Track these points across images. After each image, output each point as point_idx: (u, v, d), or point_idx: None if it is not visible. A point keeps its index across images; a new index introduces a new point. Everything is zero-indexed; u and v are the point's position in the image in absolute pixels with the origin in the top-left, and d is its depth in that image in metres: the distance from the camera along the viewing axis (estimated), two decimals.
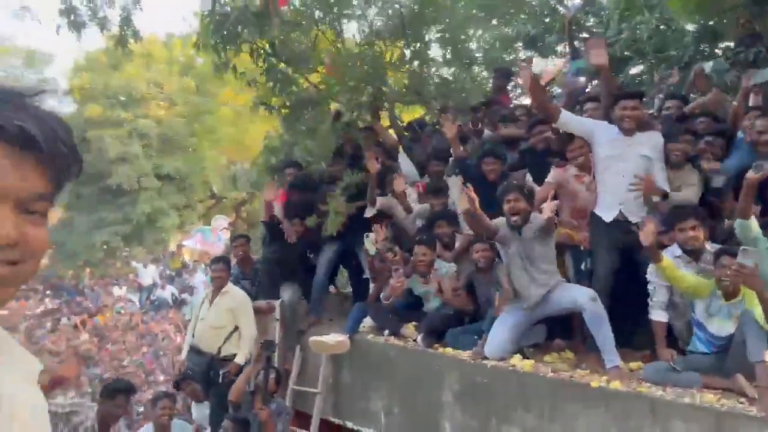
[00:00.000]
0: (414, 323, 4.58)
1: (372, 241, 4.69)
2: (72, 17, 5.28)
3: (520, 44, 9.72)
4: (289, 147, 6.46)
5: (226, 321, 5.09)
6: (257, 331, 5.14)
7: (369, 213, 5.02)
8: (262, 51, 5.81)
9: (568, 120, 4.10)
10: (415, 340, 4.43)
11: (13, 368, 0.73)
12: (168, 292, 14.70)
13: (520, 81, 4.15)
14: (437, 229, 4.82)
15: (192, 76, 18.11)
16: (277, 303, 5.22)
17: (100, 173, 17.31)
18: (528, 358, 3.86)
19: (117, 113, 17.58)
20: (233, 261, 5.70)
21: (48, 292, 15.00)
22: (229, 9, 5.19)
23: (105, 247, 17.09)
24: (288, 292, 5.19)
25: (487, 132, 5.54)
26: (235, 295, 5.19)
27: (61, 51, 34.80)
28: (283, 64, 5.94)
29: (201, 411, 5.06)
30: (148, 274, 15.40)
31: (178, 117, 18.01)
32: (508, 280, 3.89)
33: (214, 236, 14.42)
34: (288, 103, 6.01)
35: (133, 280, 15.59)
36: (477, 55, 8.89)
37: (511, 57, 9.69)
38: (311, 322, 5.20)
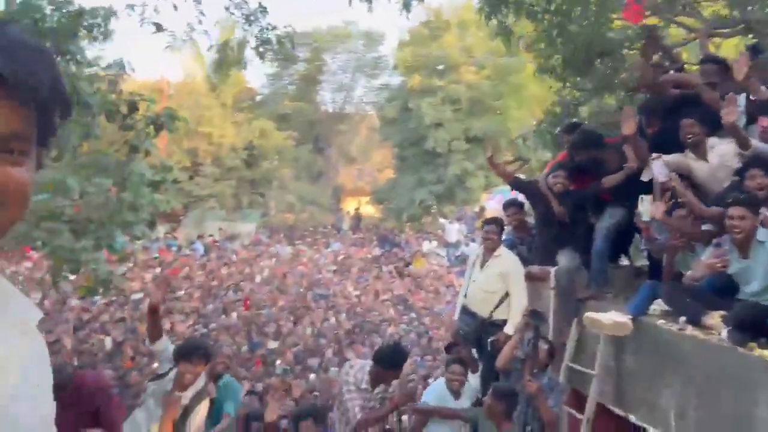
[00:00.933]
0: (722, 312, 3.60)
1: (648, 203, 3.78)
2: None
3: None
4: (573, 108, 5.78)
5: (497, 286, 4.93)
6: (528, 298, 4.83)
7: (645, 176, 4.09)
8: (538, 9, 5.29)
9: None
10: (719, 334, 3.49)
11: (5, 321, 0.69)
12: (471, 249, 15.38)
13: None
14: (749, 181, 3.60)
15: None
16: (552, 270, 4.79)
17: (421, 137, 19.12)
18: None
19: (433, 81, 18.95)
20: (508, 228, 5.47)
21: (375, 242, 17.41)
22: None
23: (422, 204, 18.95)
24: (564, 259, 4.67)
25: None
26: (506, 260, 4.97)
27: (391, 30, 38.91)
28: (562, 19, 5.30)
29: (473, 378, 5.06)
30: (453, 231, 16.35)
31: (485, 80, 18.39)
32: None
33: (512, 196, 14.41)
34: (570, 61, 5.35)
35: (440, 235, 16.82)
36: None
37: None
38: (589, 295, 4.60)
